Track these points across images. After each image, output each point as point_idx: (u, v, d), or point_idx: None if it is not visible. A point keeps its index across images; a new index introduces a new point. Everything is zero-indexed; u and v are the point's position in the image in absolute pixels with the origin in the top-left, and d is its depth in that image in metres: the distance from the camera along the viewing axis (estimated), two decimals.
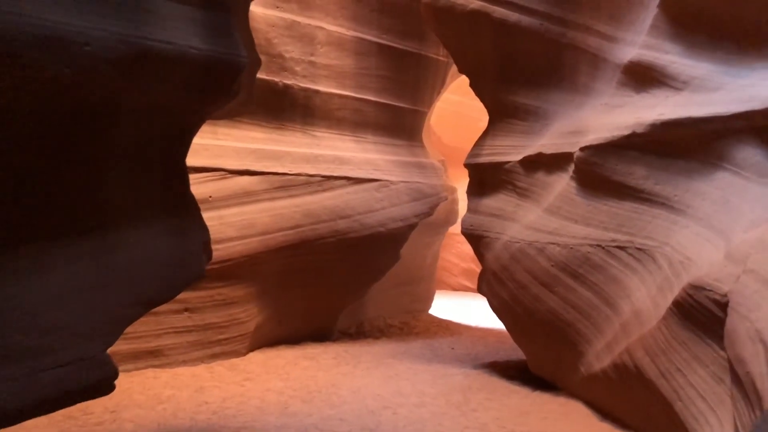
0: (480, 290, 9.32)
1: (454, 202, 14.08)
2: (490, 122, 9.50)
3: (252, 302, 9.86)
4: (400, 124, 12.01)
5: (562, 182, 7.88)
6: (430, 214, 11.79)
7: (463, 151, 19.54)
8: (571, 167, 7.71)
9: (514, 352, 10.99)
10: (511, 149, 8.84)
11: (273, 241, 9.85)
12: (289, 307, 10.63)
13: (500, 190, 8.88)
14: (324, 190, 10.52)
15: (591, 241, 7.19)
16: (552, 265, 7.54)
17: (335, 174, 10.66)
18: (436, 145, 16.65)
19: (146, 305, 4.38)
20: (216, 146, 9.67)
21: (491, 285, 8.72)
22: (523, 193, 8.56)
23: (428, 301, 14.99)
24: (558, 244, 7.52)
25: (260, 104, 10.21)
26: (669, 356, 5.49)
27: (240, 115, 9.99)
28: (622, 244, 6.91)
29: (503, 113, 9.09)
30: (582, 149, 7.38)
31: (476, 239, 9.06)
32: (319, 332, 11.21)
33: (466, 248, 20.33)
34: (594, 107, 7.89)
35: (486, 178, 9.15)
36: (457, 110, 19.52)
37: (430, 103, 12.77)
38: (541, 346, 8.01)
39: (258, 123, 10.25)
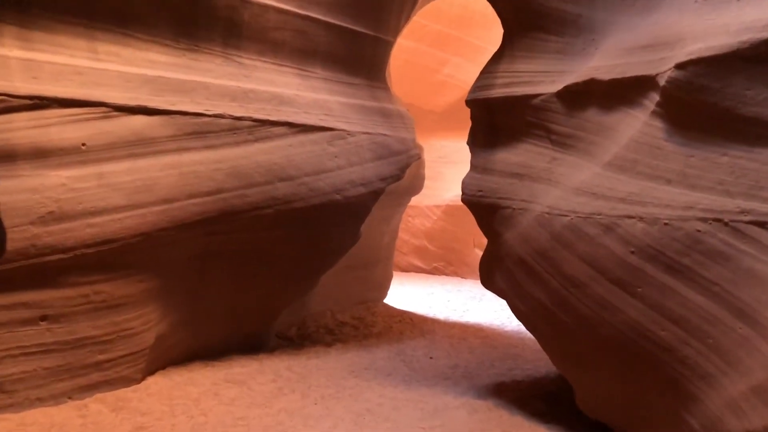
0: (490, 284, 6.46)
1: (420, 164, 11.18)
2: (506, 39, 6.59)
3: (150, 303, 6.70)
4: (359, 56, 8.95)
5: (635, 122, 5.08)
6: (399, 177, 8.84)
7: (417, 108, 16.65)
8: (652, 98, 4.91)
9: (514, 361, 8.26)
10: (542, 76, 5.97)
11: (182, 212, 6.70)
12: (207, 307, 7.51)
13: (525, 138, 6.01)
14: (256, 141, 7.40)
15: (702, 213, 4.43)
16: (632, 252, 4.73)
17: (272, 118, 7.55)
18: None
19: None
20: (94, 70, 6.42)
21: (514, 279, 5.86)
22: (563, 141, 5.72)
23: (384, 288, 12.12)
24: (641, 219, 4.71)
25: (163, 13, 6.99)
26: None
27: (129, 23, 6.73)
28: (760, 218, 4.20)
29: (527, 24, 6.18)
30: (679, 67, 4.57)
31: (487, 210, 6.18)
32: (251, 340, 8.15)
33: (418, 222, 17.58)
34: (682, 6, 5.11)
35: (501, 121, 6.24)
36: (410, 59, 16.56)
37: (396, 31, 9.74)
38: (606, 377, 5.21)
39: (160, 40, 7.03)
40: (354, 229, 8.47)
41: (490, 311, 12.34)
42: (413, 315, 11.46)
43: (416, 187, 11.30)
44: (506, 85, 6.16)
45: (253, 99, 7.54)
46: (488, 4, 7.07)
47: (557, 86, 5.78)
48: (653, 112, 4.89)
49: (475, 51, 16.16)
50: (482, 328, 10.65)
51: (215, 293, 7.45)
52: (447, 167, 16.50)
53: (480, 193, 6.18)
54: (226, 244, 7.21)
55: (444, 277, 16.97)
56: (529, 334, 9.81)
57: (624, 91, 5.24)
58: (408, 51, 16.18)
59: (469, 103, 6.53)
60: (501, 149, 6.17)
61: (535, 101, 5.89)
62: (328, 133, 8.01)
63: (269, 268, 7.71)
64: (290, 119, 7.70)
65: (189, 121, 6.94)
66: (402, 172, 8.85)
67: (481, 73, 6.57)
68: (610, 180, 5.06)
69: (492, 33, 16.02)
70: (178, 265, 6.91)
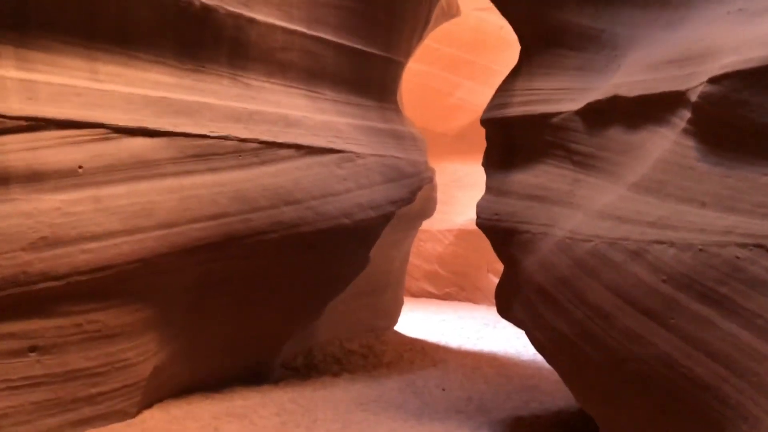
0: (507, 314, 6.10)
1: (433, 187, 10.86)
2: (524, 55, 6.29)
3: (147, 333, 6.37)
4: (369, 77, 8.69)
5: (663, 141, 4.74)
6: (411, 200, 8.51)
7: (429, 132, 16.38)
8: (682, 115, 4.59)
9: (532, 393, 7.84)
10: (561, 94, 5.66)
11: (182, 238, 6.39)
12: (208, 337, 7.17)
13: (544, 158, 5.68)
14: (262, 163, 7.11)
15: (742, 238, 4.06)
16: (663, 280, 4.36)
17: (279, 140, 7.27)
18: None
19: None
20: (94, 90, 6.17)
21: (534, 308, 5.50)
22: (585, 162, 5.40)
23: (395, 315, 11.73)
24: (672, 244, 4.36)
25: (168, 33, 6.76)
26: None
27: (131, 43, 6.50)
28: None
29: (546, 40, 5.89)
30: (713, 81, 4.24)
31: (504, 235, 5.84)
32: (254, 371, 7.79)
33: (430, 246, 17.23)
34: (712, 19, 4.81)
35: (518, 141, 5.92)
36: (422, 82, 16.33)
37: (408, 52, 9.48)
38: (635, 415, 4.81)
39: (163, 60, 6.79)
40: (363, 254, 8.13)
41: (505, 339, 11.92)
42: (425, 343, 11.06)
43: (428, 210, 10.97)
44: (524, 103, 5.85)
45: (259, 121, 7.27)
46: (501, 27, 6.81)
47: (578, 104, 5.46)
48: (684, 130, 4.55)
49: (489, 74, 15.91)
50: (497, 357, 10.23)
51: (216, 323, 7.11)
52: (460, 191, 16.18)
53: (496, 217, 5.84)
54: (228, 271, 6.88)
55: (456, 303, 16.56)
56: (546, 364, 9.42)
57: (651, 109, 4.91)
58: (420, 75, 15.96)
59: (485, 122, 6.23)
60: (518, 170, 5.84)
61: (555, 120, 5.57)
62: (337, 156, 7.72)
63: (273, 296, 7.37)
64: (298, 141, 7.42)
65: (192, 143, 6.67)
66: (413, 196, 8.52)
67: (497, 91, 6.27)
68: (638, 203, 4.70)
69: (506, 55, 15.77)
70: (178, 293, 6.59)
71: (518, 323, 5.89)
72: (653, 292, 4.40)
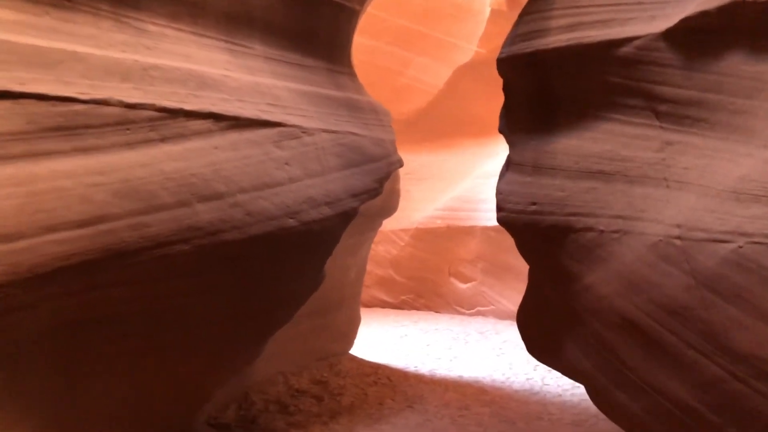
0: (554, 359, 4.01)
1: (396, 177, 8.76)
2: None
3: None
4: (314, 29, 6.49)
5: None
6: (377, 192, 6.37)
7: None
8: None
9: None
10: (632, 9, 3.62)
11: (32, 257, 4.04)
12: (90, 404, 4.81)
13: (607, 112, 3.67)
14: (163, 141, 4.82)
15: None
16: None
17: (189, 107, 5.01)
18: None
19: None
20: None
21: (614, 354, 3.41)
22: (681, 113, 3.39)
23: (350, 337, 9.58)
24: None
25: None
26: None
27: None
28: None
29: None
30: None
31: (547, 236, 3.78)
32: None
33: (382, 249, 15.10)
34: None
35: (562, 88, 3.89)
36: (367, 59, 14.11)
37: None
38: None
39: None
40: (316, 267, 5.91)
41: (482, 358, 9.94)
42: (390, 371, 8.95)
43: (391, 206, 8.88)
44: (569, 27, 3.79)
45: (158, 79, 4.97)
46: None
47: (664, 22, 3.43)
48: None
49: (445, 49, 13.84)
50: (484, 387, 8.19)
51: (102, 383, 4.77)
52: (414, 185, 14.11)
53: (534, 207, 3.77)
54: (113, 304, 4.56)
55: (415, 312, 14.51)
56: (551, 397, 7.44)
57: None
58: (365, 50, 13.73)
59: (504, 62, 4.17)
60: (564, 134, 3.78)
61: (625, 50, 3.54)
62: (275, 131, 5.49)
63: (189, 336, 5.08)
64: (216, 109, 5.16)
65: (51, 110, 4.33)
66: (380, 186, 6.39)
67: (522, 14, 4.19)
68: None
69: (465, 26, 13.80)
70: (29, 344, 4.23)
71: (576, 375, 3.81)
72: None
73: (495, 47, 14.44)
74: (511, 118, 4.24)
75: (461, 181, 13.84)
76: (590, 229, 3.51)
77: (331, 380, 8.02)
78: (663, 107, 3.40)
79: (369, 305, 15.11)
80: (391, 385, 8.09)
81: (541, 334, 4.17)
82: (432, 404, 7.33)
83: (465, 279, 13.87)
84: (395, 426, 6.52)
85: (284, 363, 8.02)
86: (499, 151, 13.64)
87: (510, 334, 11.62)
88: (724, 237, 2.84)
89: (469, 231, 13.32)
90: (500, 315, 13.29)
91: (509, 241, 13.12)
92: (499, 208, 4.12)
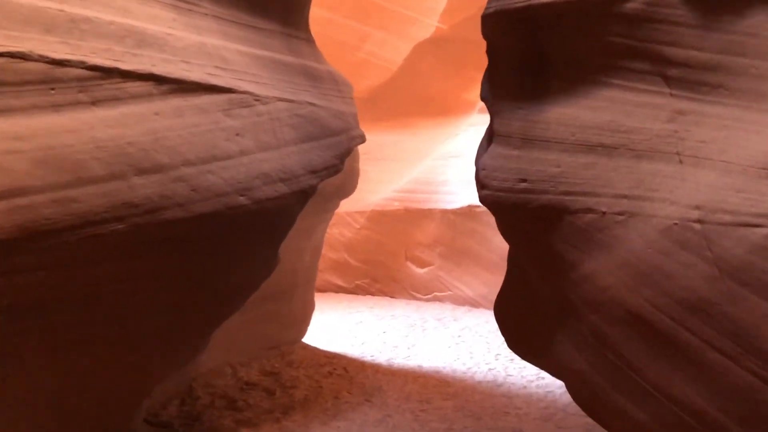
0: (537, 356, 3.61)
1: (355, 155, 8.24)
2: None
3: None
4: None
5: None
6: (338, 168, 5.84)
7: None
8: None
9: None
10: None
11: None
12: (12, 402, 4.20)
13: (609, 77, 3.23)
14: (94, 104, 4.21)
15: None
16: None
17: (126, 66, 4.39)
18: None
19: None
20: None
21: (617, 353, 2.98)
22: (697, 78, 2.97)
23: (304, 323, 9.07)
24: None
25: None
26: None
27: None
28: None
29: None
30: None
31: (539, 216, 3.32)
32: None
33: (336, 232, 14.56)
34: None
35: (557, 48, 3.40)
36: (323, 32, 13.42)
37: None
38: None
39: None
40: (269, 251, 5.36)
41: (441, 347, 9.55)
42: (346, 360, 8.48)
43: (349, 186, 8.39)
44: None
45: (89, 33, 4.33)
46: None
47: None
48: None
49: (404, 22, 13.29)
50: (446, 379, 7.78)
51: (25, 379, 4.16)
52: (371, 165, 13.54)
53: (523, 185, 3.31)
54: (36, 291, 3.95)
55: (369, 297, 14.05)
56: (516, 389, 7.08)
57: None
58: (320, 22, 13.06)
59: (489, 19, 3.65)
60: (559, 101, 3.32)
61: (632, 6, 3.09)
62: (224, 97, 4.90)
63: (123, 329, 4.49)
64: (157, 70, 4.55)
65: None
66: (341, 162, 5.87)
67: None
68: None
69: (425, 0, 13.26)
70: None
71: (567, 375, 3.38)
72: None
73: (457, 23, 14.11)
74: (495, 83, 3.76)
75: (420, 162, 13.38)
76: (590, 210, 3.07)
77: (283, 371, 7.51)
78: (673, 72, 2.97)
79: (322, 290, 14.58)
80: (348, 377, 7.62)
81: (524, 327, 3.74)
82: (391, 397, 6.88)
83: (422, 263, 13.46)
84: (353, 422, 6.05)
85: (232, 353, 7.47)
86: (460, 131, 13.22)
87: (469, 321, 11.28)
88: (754, 220, 2.44)
89: (427, 214, 12.89)
90: (458, 301, 12.95)
91: (468, 224, 12.84)
92: (481, 186, 3.64)
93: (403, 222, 13.36)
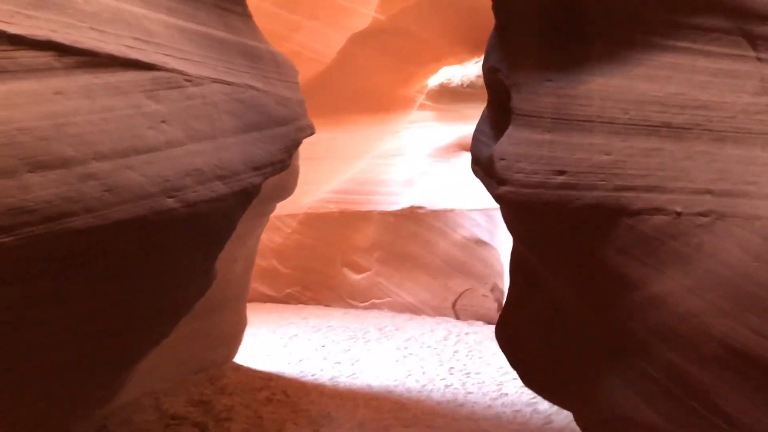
0: (556, 395, 2.79)
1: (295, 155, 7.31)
2: None
3: None
4: None
5: None
6: (285, 165, 4.95)
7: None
8: None
9: None
10: None
11: None
12: None
13: (668, 38, 2.45)
14: None
15: None
16: None
17: (17, 30, 3.38)
18: None
19: None
20: None
21: (708, 405, 2.22)
22: None
23: (235, 341, 8.12)
24: None
25: None
26: None
27: None
28: None
29: None
30: None
31: (585, 219, 2.54)
32: None
33: (266, 237, 13.46)
34: None
35: (596, 3, 2.62)
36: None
37: None
38: None
39: None
40: (204, 265, 4.40)
41: (389, 360, 8.77)
42: (285, 382, 7.58)
43: (289, 187, 7.47)
44: None
45: None
46: None
47: None
48: None
49: (337, 12, 12.44)
50: (400, 400, 7.00)
51: None
52: (303, 164, 12.63)
53: (561, 179, 2.54)
54: None
55: (302, 307, 13.12)
56: (480, 409, 6.41)
57: None
58: (269, 17, 12.08)
59: None
60: (601, 69, 2.57)
61: None
62: (147, 75, 3.95)
63: (16, 368, 3.47)
64: (59, 37, 3.58)
65: None
66: (288, 157, 4.98)
67: None
68: None
69: None
70: None
71: (624, 427, 2.61)
72: None
73: (395, 13, 13.29)
74: (510, 48, 2.93)
75: (356, 162, 12.56)
76: (658, 210, 2.33)
77: (214, 400, 6.53)
78: (761, 29, 2.28)
79: (249, 300, 13.52)
80: (290, 403, 6.71)
81: (547, 362, 2.96)
82: (343, 427, 6.04)
83: (359, 269, 12.65)
84: None
85: (153, 380, 6.44)
86: (400, 128, 12.48)
87: (413, 330, 10.56)
88: None
89: (365, 216, 12.08)
90: (397, 308, 12.22)
91: (410, 227, 12.07)
92: (501, 181, 2.81)
93: (339, 225, 12.52)
